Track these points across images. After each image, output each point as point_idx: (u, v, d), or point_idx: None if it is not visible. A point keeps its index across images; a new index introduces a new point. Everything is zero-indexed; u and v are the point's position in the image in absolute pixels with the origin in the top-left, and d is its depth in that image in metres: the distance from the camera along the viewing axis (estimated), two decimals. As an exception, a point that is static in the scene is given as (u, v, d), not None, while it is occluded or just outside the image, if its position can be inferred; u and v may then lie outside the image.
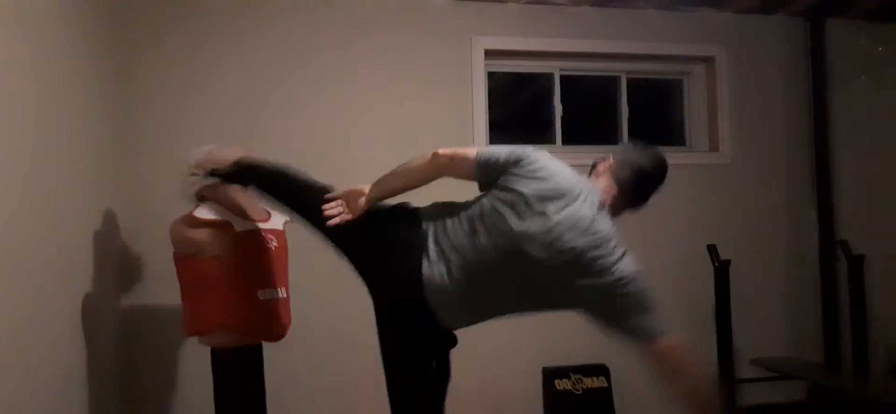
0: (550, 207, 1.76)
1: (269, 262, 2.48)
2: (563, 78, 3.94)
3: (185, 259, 2.47)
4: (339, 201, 2.05)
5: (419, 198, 2.02)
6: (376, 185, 2.01)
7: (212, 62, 3.37)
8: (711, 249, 3.56)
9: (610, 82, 4.06)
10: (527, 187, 1.79)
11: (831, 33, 4.08)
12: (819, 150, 4.01)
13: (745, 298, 3.70)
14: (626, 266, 1.76)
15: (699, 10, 3.94)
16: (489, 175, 1.87)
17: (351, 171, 3.48)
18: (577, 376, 3.60)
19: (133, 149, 3.24)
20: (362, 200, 2.01)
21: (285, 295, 2.56)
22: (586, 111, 4.07)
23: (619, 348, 3.69)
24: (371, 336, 3.80)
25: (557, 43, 3.81)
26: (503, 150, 1.88)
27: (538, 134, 3.95)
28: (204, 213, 2.44)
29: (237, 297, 2.39)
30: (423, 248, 1.84)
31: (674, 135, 4.17)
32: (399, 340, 1.91)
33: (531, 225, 1.75)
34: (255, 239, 2.46)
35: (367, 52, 3.55)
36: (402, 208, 2.01)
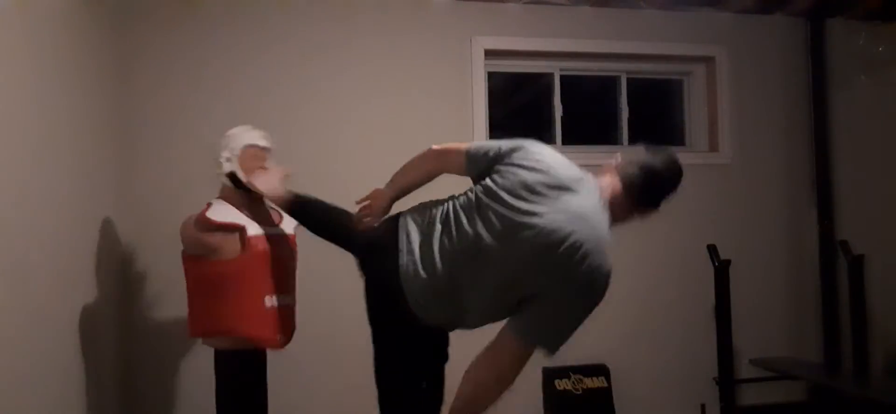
0: (552, 195, 1.71)
1: (279, 268, 2.44)
2: (563, 78, 3.94)
3: (194, 259, 2.44)
4: (366, 202, 2.11)
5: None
6: (391, 183, 2.09)
7: (210, 63, 3.36)
8: (711, 249, 3.56)
9: (610, 82, 4.06)
10: (528, 176, 1.74)
11: (831, 33, 4.08)
12: (819, 150, 4.01)
13: (745, 298, 3.70)
14: (601, 274, 1.68)
15: (699, 10, 3.94)
16: (480, 167, 1.87)
17: (350, 171, 3.52)
18: (577, 376, 3.60)
19: (133, 153, 3.24)
20: (383, 198, 2.08)
21: (292, 302, 2.53)
22: (586, 111, 4.07)
23: (620, 348, 3.70)
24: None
25: (557, 43, 3.81)
26: (495, 143, 1.88)
27: (538, 134, 3.89)
28: (217, 213, 2.39)
29: (243, 303, 2.36)
30: (397, 245, 1.83)
31: (674, 135, 4.17)
32: (390, 338, 1.89)
33: (533, 208, 1.69)
34: (265, 244, 2.42)
35: (367, 51, 3.55)
36: (387, 218, 2.03)
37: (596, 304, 1.70)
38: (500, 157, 1.83)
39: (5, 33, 1.98)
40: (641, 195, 1.82)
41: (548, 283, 1.67)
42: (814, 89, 4.05)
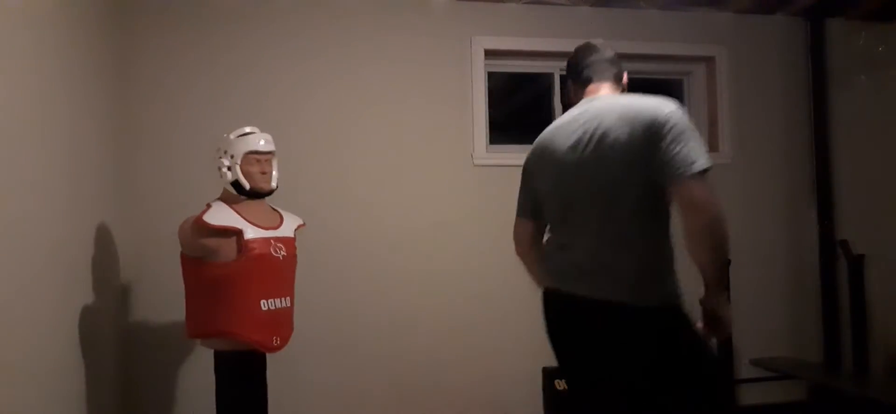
0: (571, 125, 1.98)
1: (276, 271, 2.45)
2: (563, 78, 3.94)
3: (192, 261, 2.45)
4: None
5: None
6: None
7: (210, 63, 3.36)
8: (711, 249, 3.55)
9: (610, 82, 4.05)
10: (548, 151, 2.02)
11: (831, 33, 4.08)
12: (819, 150, 4.01)
13: (745, 298, 3.70)
14: (660, 101, 1.88)
15: (699, 10, 3.94)
16: (532, 204, 2.09)
17: (351, 171, 3.51)
18: (577, 376, 3.60)
19: (133, 153, 3.24)
20: None
21: (289, 304, 2.53)
22: (586, 111, 4.07)
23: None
24: (372, 342, 3.79)
25: (557, 43, 3.80)
26: (520, 187, 2.15)
27: (538, 134, 3.93)
28: (214, 216, 2.40)
29: (240, 305, 2.37)
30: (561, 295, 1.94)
31: (674, 135, 4.17)
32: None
33: (573, 141, 1.92)
34: (263, 248, 2.42)
35: (367, 51, 3.55)
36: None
37: (681, 109, 1.87)
38: (528, 177, 2.10)
39: (6, 33, 1.98)
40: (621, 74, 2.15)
41: (648, 135, 1.80)
42: (814, 89, 4.05)
